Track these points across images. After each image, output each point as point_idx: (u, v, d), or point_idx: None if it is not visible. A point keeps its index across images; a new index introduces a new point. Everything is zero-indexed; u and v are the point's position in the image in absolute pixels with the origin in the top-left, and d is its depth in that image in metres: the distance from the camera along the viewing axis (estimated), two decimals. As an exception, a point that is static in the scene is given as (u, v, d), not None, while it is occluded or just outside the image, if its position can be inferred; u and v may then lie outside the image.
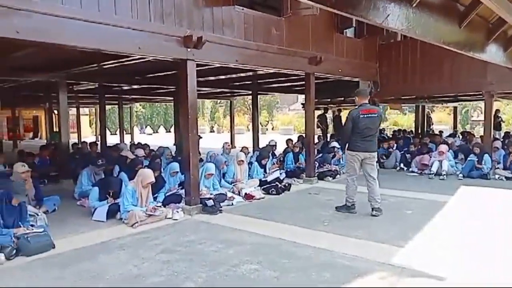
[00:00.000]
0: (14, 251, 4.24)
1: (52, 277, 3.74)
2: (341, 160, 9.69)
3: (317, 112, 14.26)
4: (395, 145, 11.47)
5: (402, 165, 10.39)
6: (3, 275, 3.84)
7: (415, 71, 10.42)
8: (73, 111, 22.40)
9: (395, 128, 23.59)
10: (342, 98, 15.21)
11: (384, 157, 10.89)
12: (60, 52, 6.58)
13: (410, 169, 9.97)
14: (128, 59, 6.94)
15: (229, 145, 9.33)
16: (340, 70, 9.02)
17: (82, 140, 18.15)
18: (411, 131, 18.55)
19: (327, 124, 16.15)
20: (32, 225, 4.77)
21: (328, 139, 13.46)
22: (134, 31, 5.14)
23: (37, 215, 5.30)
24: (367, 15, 4.25)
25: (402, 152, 10.87)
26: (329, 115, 17.80)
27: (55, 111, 20.21)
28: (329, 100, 15.95)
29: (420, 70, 10.34)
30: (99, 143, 12.76)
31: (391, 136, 15.09)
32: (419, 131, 17.63)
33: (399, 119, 31.53)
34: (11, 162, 8.09)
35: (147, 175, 5.72)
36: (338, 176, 9.07)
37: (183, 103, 5.95)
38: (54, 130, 18.78)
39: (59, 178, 8.95)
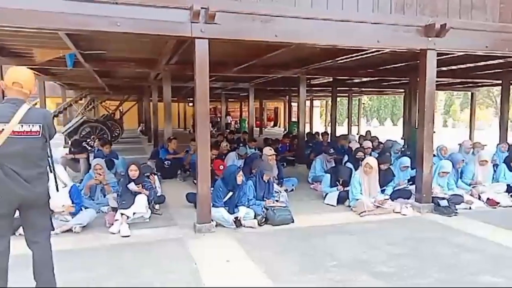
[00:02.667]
0: (264, 219, 5.11)
1: (293, 246, 4.32)
2: None
3: None
4: None
5: None
6: (257, 235, 4.70)
7: None
8: (307, 103, 24.56)
9: None
10: None
11: None
12: (303, 50, 7.36)
13: None
14: (364, 52, 7.11)
15: (470, 144, 8.20)
16: None
17: (314, 130, 19.73)
18: None
19: None
20: (276, 200, 5.61)
21: None
22: (374, 25, 5.24)
23: (280, 192, 6.17)
24: None
25: None
26: None
27: (292, 103, 22.73)
28: None
29: None
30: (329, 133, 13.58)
31: None
32: None
33: None
34: (259, 146, 9.68)
35: (372, 163, 5.81)
36: None
37: (420, 95, 5.70)
38: (292, 120, 21.14)
39: (295, 163, 10.10)
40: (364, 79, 13.16)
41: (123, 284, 3.38)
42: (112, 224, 4.82)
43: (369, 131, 12.86)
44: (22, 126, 2.67)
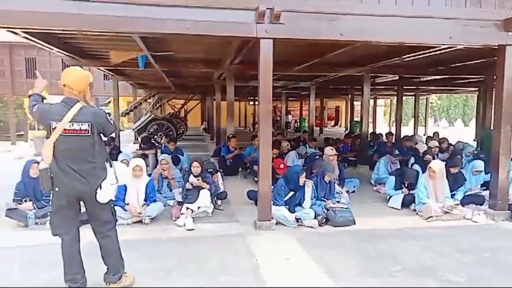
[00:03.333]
0: (324, 220, 5.07)
1: (354, 248, 4.25)
2: None
3: None
4: None
5: None
6: (318, 236, 4.68)
7: None
8: (370, 102, 23.79)
9: None
10: None
11: None
12: (368, 48, 7.16)
13: None
14: (434, 49, 6.75)
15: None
16: None
17: (377, 130, 19.10)
18: None
19: None
20: (338, 201, 5.53)
21: None
22: (446, 20, 4.96)
23: (341, 193, 6.07)
24: None
25: None
26: None
27: (355, 102, 22.17)
28: None
29: None
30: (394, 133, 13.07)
31: None
32: None
33: None
34: (320, 146, 9.59)
35: (435, 168, 5.51)
36: None
37: (497, 95, 5.31)
38: (354, 119, 20.62)
39: (357, 163, 9.85)
40: (433, 77, 12.49)
41: (188, 275, 3.54)
42: (178, 217, 5.06)
43: (437, 132, 12.17)
44: (72, 124, 2.85)
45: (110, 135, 3.11)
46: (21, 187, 5.12)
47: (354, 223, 5.05)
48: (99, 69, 10.79)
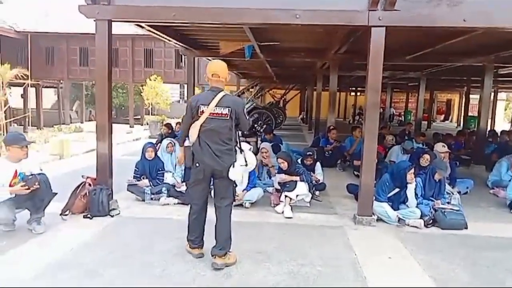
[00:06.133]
0: (431, 221, 4.73)
1: (465, 254, 3.89)
2: None
3: None
4: None
5: None
6: (423, 237, 4.39)
7: None
8: (491, 95, 21.22)
9: None
10: None
11: None
12: (493, 35, 6.38)
13: None
14: None
15: None
16: None
17: (496, 127, 17.06)
18: None
19: None
20: (448, 202, 5.10)
21: None
22: None
23: (452, 194, 5.58)
24: None
25: None
26: None
27: (471, 96, 19.99)
28: None
29: None
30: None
31: None
32: None
33: None
34: (428, 141, 8.90)
35: None
36: None
37: None
38: (469, 114, 18.65)
39: (471, 163, 8.94)
40: None
41: (287, 260, 3.61)
42: (277, 204, 5.18)
43: None
44: (216, 108, 3.26)
45: (245, 131, 3.62)
46: (140, 165, 5.70)
47: (466, 228, 4.63)
48: (208, 59, 11.41)
